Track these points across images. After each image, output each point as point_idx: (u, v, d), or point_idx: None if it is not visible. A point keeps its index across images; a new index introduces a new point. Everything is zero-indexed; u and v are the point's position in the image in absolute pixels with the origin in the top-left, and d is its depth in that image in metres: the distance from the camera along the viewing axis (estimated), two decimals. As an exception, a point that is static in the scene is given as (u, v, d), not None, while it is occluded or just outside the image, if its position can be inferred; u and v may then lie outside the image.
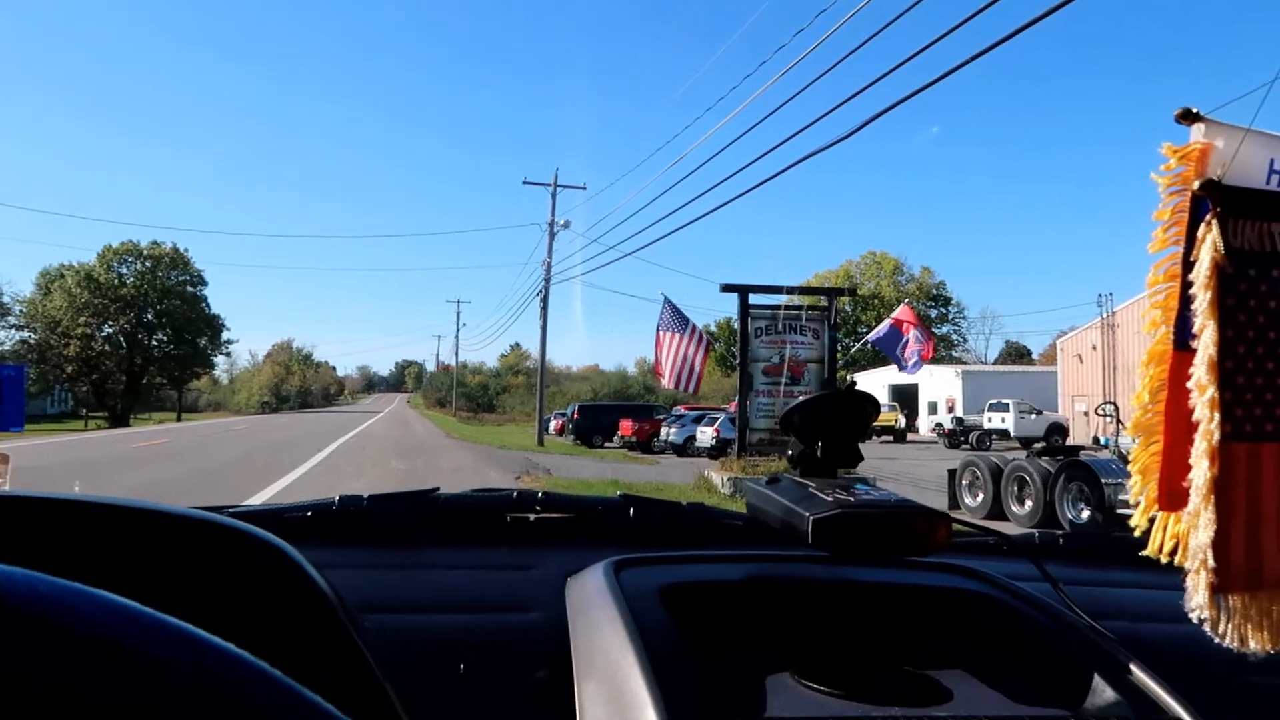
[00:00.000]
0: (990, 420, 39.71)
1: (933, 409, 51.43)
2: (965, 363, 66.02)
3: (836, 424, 1.26)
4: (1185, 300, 0.70)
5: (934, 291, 75.28)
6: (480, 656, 1.03)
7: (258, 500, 10.90)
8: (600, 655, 0.96)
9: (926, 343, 15.43)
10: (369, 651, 0.84)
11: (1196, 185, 0.69)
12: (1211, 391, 0.67)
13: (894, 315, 15.93)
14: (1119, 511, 12.23)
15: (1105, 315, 41.36)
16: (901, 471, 21.75)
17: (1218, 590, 0.68)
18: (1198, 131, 0.70)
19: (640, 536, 1.54)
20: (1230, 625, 0.70)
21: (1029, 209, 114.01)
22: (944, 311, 75.90)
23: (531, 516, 1.54)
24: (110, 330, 65.11)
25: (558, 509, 1.58)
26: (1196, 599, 0.69)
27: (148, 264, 67.05)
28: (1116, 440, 14.99)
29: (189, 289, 69.33)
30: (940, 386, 51.26)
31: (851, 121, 8.86)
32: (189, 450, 22.36)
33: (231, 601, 0.80)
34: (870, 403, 1.28)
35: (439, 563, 1.36)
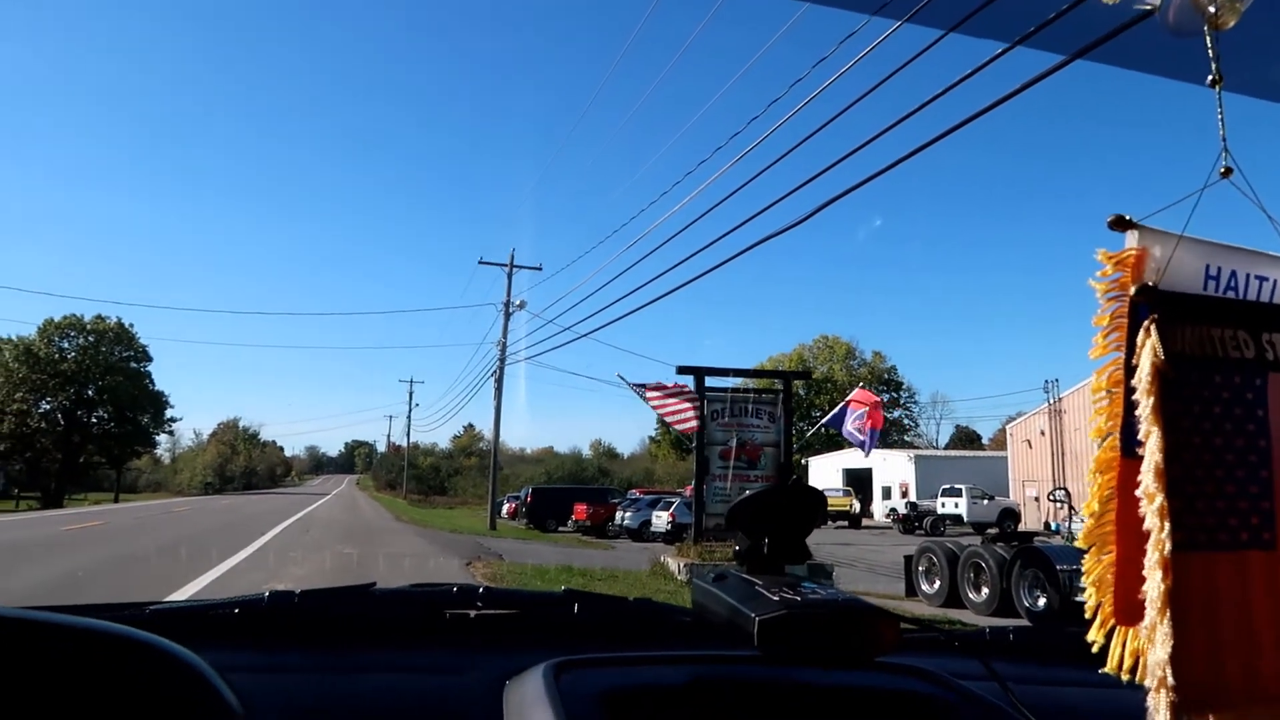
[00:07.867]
0: (944, 505, 39.92)
1: (886, 494, 51.69)
2: (917, 447, 66.76)
3: (783, 519, 1.24)
4: (1129, 406, 0.69)
5: (886, 375, 76.57)
6: None
7: (193, 590, 10.46)
8: None
9: (874, 409, 15.30)
10: None
11: (1134, 291, 0.69)
12: (1160, 499, 0.65)
13: (850, 397, 16.03)
14: (1075, 599, 12.27)
15: (1052, 401, 42.31)
16: (858, 557, 21.69)
17: (1179, 710, 0.65)
18: (1132, 238, 0.70)
19: (585, 633, 1.50)
20: (1194, 749, 0.66)
21: (976, 297, 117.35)
22: (895, 396, 77.10)
23: (472, 613, 1.49)
24: (48, 406, 63.04)
25: (499, 605, 1.53)
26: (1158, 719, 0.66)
27: (91, 339, 65.43)
28: (1069, 526, 15.09)
29: (133, 365, 67.62)
30: (894, 471, 51.66)
31: (804, 208, 9.04)
32: (123, 533, 21.49)
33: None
34: (817, 498, 1.27)
35: (373, 665, 1.30)
